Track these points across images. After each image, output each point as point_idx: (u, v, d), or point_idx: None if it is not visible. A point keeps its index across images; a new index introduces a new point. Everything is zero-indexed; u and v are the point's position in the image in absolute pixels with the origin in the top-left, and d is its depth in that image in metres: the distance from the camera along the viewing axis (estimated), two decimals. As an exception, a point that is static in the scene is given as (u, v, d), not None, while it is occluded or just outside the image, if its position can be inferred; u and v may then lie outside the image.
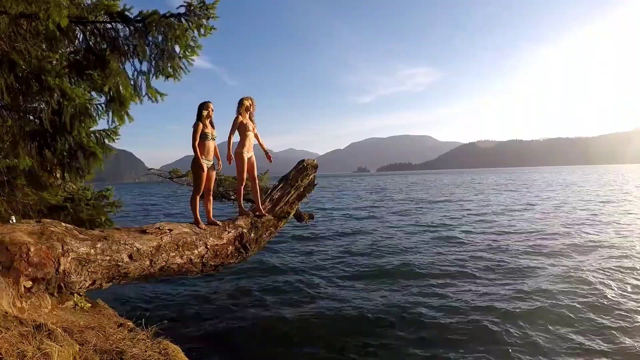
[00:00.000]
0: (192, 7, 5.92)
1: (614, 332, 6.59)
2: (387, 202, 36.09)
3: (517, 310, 7.67)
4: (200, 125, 4.88)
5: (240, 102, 5.39)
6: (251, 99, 5.44)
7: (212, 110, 5.03)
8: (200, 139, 4.89)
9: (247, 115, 5.41)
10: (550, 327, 6.85)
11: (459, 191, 48.38)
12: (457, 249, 13.77)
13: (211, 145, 5.05)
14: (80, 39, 6.23)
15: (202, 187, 4.98)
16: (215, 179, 5.45)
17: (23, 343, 2.12)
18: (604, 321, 7.01)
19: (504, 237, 15.55)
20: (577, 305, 7.78)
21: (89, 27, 6.09)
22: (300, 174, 6.11)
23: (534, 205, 28.04)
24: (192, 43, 6.23)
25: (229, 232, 5.16)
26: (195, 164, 4.90)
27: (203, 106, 4.96)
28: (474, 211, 25.26)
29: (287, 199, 5.93)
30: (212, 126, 5.09)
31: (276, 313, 8.43)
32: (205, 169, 4.93)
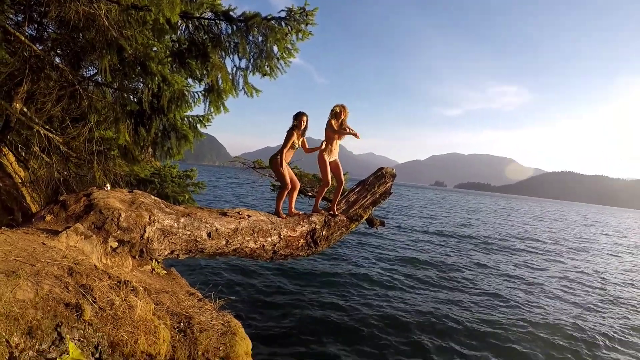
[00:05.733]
0: (292, 12, 6.25)
1: None
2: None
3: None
4: (295, 135, 5.17)
5: (332, 110, 5.49)
6: (342, 106, 5.51)
7: (305, 122, 5.33)
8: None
9: (339, 122, 5.49)
10: None
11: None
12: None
13: (291, 153, 5.39)
14: (184, 32, 6.76)
15: (288, 183, 5.25)
16: (296, 173, 5.72)
17: (111, 294, 2.41)
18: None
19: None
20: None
21: (194, 22, 6.59)
22: (378, 180, 6.18)
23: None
24: (289, 46, 6.58)
25: (302, 226, 5.38)
26: (276, 165, 5.25)
27: (298, 117, 5.27)
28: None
29: (362, 202, 6.03)
30: (303, 135, 5.39)
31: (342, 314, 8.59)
32: (286, 170, 5.23)
